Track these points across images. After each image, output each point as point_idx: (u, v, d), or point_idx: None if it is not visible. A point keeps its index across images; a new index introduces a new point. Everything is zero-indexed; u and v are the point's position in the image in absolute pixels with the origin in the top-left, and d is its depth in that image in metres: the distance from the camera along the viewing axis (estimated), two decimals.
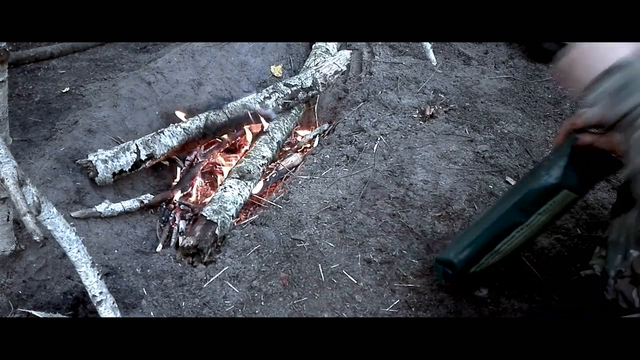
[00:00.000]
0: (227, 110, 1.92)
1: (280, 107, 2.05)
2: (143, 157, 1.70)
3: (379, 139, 1.87)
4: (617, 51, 0.82)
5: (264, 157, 1.88)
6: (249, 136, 1.99)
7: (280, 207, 1.62)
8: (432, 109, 2.02)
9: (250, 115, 1.94)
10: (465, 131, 1.91)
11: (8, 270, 1.33)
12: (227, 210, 1.59)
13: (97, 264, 1.07)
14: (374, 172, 1.72)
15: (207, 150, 1.99)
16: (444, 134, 1.89)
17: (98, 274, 1.06)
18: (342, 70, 2.21)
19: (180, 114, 1.99)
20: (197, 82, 2.22)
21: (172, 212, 1.73)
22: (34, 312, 1.26)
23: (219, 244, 1.52)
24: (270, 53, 2.51)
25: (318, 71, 2.12)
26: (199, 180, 1.90)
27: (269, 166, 1.96)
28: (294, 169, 1.93)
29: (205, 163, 1.97)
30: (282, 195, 1.69)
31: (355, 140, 1.88)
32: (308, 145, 2.13)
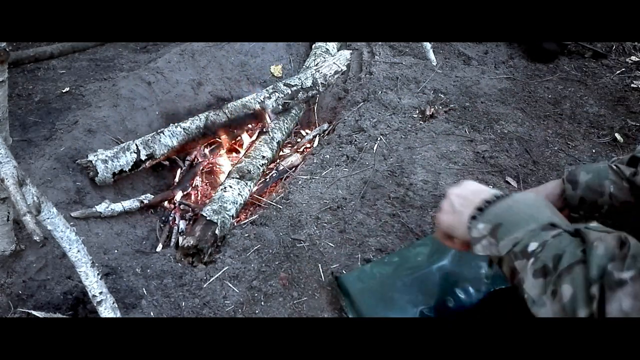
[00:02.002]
0: (227, 110, 1.92)
1: (280, 107, 2.05)
2: (143, 157, 1.70)
3: (379, 139, 1.87)
4: (481, 194, 0.87)
5: (264, 157, 1.88)
6: (245, 139, 1.99)
7: (280, 207, 1.62)
8: (432, 109, 2.02)
9: (252, 113, 1.95)
10: (465, 131, 1.91)
11: (8, 270, 1.33)
12: (227, 210, 1.59)
13: (97, 264, 1.07)
14: (374, 172, 1.72)
15: (207, 150, 2.00)
16: (444, 134, 1.89)
17: (98, 274, 1.06)
18: (342, 70, 2.21)
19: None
20: (197, 82, 2.22)
21: (172, 212, 1.73)
22: (34, 312, 1.25)
23: (219, 244, 1.52)
24: (270, 53, 2.51)
25: (318, 71, 2.12)
26: (198, 180, 1.90)
27: (269, 166, 1.96)
28: (294, 169, 1.93)
29: (206, 163, 1.97)
30: (282, 195, 1.69)
31: (355, 140, 1.88)
32: (308, 145, 2.13)
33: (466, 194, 0.90)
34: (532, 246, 0.78)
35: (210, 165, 1.99)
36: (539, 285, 0.76)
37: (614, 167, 1.14)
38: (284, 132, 2.07)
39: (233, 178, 1.74)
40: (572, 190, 1.18)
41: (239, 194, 1.69)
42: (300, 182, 1.73)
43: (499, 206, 0.84)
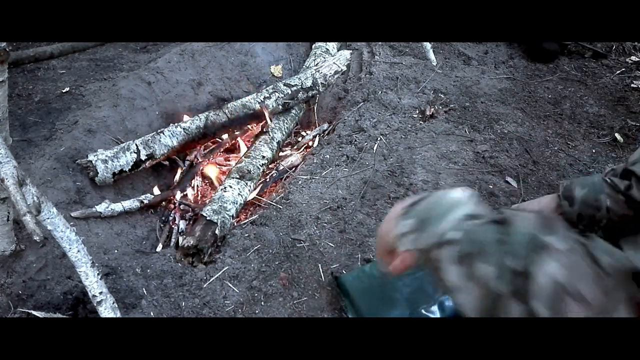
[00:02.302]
0: (227, 110, 1.92)
1: (280, 107, 2.05)
2: (143, 157, 1.70)
3: (379, 139, 1.87)
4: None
5: (264, 157, 1.88)
6: (242, 149, 1.98)
7: (280, 207, 1.62)
8: (432, 109, 2.01)
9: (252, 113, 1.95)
10: (465, 131, 1.91)
11: (8, 270, 1.33)
12: (227, 210, 1.59)
13: (97, 264, 1.07)
14: (374, 172, 1.72)
15: (207, 150, 2.00)
16: (444, 134, 1.89)
17: (98, 274, 1.05)
18: (342, 70, 2.21)
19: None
20: (197, 82, 2.22)
21: (172, 212, 1.73)
22: (34, 312, 1.25)
23: (219, 244, 1.52)
24: (270, 53, 2.51)
25: (318, 71, 2.12)
26: (198, 180, 1.90)
27: (269, 166, 1.96)
28: (294, 169, 1.93)
29: (205, 163, 1.97)
30: (282, 195, 1.69)
31: (355, 140, 1.88)
32: (309, 145, 2.12)
33: (397, 206, 0.93)
34: (453, 235, 0.78)
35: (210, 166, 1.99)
36: (458, 271, 0.76)
37: (609, 180, 1.13)
38: (284, 132, 2.07)
39: (233, 178, 1.74)
40: (569, 206, 1.18)
41: (239, 194, 1.69)
42: (300, 182, 1.73)
43: (424, 203, 0.85)
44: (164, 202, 1.76)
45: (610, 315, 0.61)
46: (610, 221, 1.14)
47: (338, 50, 2.43)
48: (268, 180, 1.89)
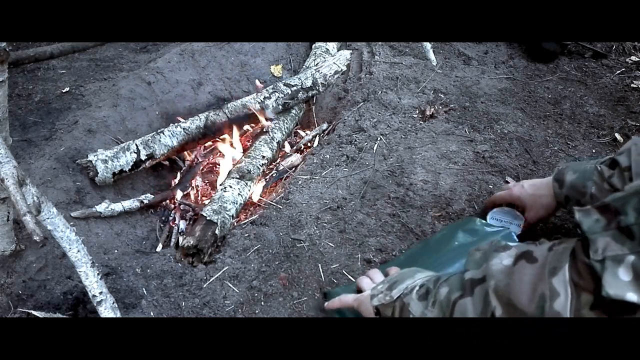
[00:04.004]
0: (227, 110, 1.92)
1: (280, 107, 2.05)
2: (143, 157, 1.70)
3: (379, 139, 1.87)
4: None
5: (264, 157, 1.88)
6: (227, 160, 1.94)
7: (280, 207, 1.62)
8: (432, 109, 2.01)
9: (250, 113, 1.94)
10: (465, 131, 1.91)
11: (8, 270, 1.33)
12: (227, 210, 1.59)
13: (97, 264, 1.07)
14: (374, 172, 1.72)
15: (207, 150, 2.00)
16: (444, 134, 1.89)
17: (98, 274, 1.06)
18: (342, 70, 2.21)
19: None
20: (197, 82, 2.22)
21: (172, 212, 1.73)
22: (34, 312, 1.25)
23: (219, 244, 1.52)
24: (270, 53, 2.51)
25: (318, 71, 2.12)
26: (199, 180, 1.90)
27: (269, 166, 1.96)
28: (294, 169, 1.93)
29: (206, 163, 1.97)
30: (282, 195, 1.69)
31: (355, 140, 1.88)
32: (309, 144, 2.12)
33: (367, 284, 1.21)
34: (419, 282, 1.00)
35: (210, 165, 1.99)
36: (422, 303, 0.95)
37: (599, 168, 1.15)
38: (284, 132, 2.07)
39: (233, 178, 1.74)
40: (559, 188, 1.26)
41: (239, 194, 1.69)
42: (300, 182, 1.73)
43: (394, 274, 1.11)
44: (164, 202, 1.76)
45: (557, 272, 0.71)
46: None
47: (338, 50, 2.43)
48: (268, 180, 1.89)
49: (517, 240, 1.32)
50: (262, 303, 1.31)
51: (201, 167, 1.94)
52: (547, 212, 1.34)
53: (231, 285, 1.35)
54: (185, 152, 1.96)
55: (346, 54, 2.25)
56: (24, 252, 1.37)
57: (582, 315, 0.66)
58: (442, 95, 2.11)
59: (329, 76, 2.13)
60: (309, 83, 2.08)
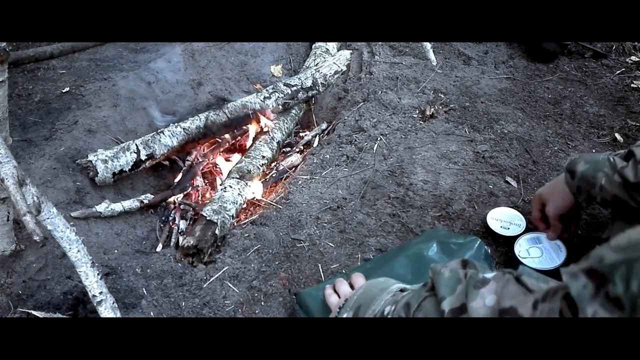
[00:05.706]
0: (227, 110, 1.92)
1: (280, 107, 2.05)
2: (143, 157, 1.70)
3: (379, 139, 1.87)
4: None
5: (264, 157, 1.88)
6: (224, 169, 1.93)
7: (280, 207, 1.62)
8: (432, 109, 2.01)
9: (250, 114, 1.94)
10: (465, 131, 1.91)
11: (8, 270, 1.33)
12: (227, 210, 1.59)
13: (97, 264, 1.07)
14: (374, 172, 1.72)
15: (207, 150, 1.99)
16: (444, 134, 1.89)
17: (98, 274, 1.06)
18: (342, 70, 2.21)
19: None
20: (197, 82, 2.22)
21: (172, 212, 1.73)
22: (34, 312, 1.26)
23: (219, 244, 1.52)
24: (270, 53, 2.51)
25: (318, 71, 2.12)
26: (199, 180, 1.90)
27: (269, 166, 1.96)
28: (294, 169, 1.93)
29: (205, 163, 1.97)
30: (282, 195, 1.69)
31: (355, 140, 1.88)
32: (309, 145, 2.12)
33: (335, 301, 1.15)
34: (387, 310, 0.91)
35: (210, 165, 1.99)
36: None
37: (612, 159, 1.16)
38: (284, 132, 2.07)
39: (233, 178, 1.74)
40: (571, 179, 1.26)
41: (239, 194, 1.69)
42: (300, 182, 1.73)
43: (356, 294, 1.03)
44: (164, 202, 1.76)
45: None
46: (604, 200, 1.19)
47: (338, 50, 2.43)
48: (268, 180, 1.89)
49: (487, 249, 1.32)
50: (262, 303, 1.31)
51: (201, 167, 1.94)
52: (564, 202, 1.31)
53: (231, 285, 1.35)
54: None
55: (346, 54, 2.25)
56: (24, 252, 1.37)
57: None
58: (442, 95, 2.11)
59: (329, 76, 2.13)
60: (309, 83, 2.08)
